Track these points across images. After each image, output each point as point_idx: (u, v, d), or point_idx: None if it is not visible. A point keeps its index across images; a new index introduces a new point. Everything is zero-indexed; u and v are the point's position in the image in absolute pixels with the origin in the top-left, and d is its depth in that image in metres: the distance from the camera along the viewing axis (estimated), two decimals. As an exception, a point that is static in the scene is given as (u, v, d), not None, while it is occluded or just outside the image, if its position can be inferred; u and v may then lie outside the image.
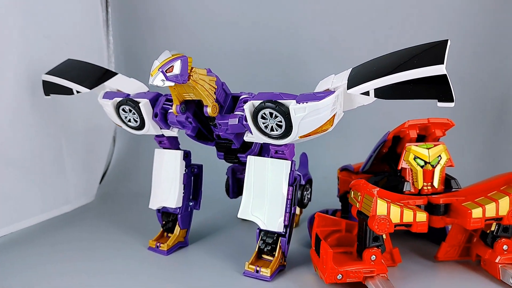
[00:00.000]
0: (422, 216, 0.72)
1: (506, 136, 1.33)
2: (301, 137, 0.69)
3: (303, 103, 0.64)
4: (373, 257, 0.72)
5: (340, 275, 0.70)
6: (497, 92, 1.33)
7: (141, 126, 0.80)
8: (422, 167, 0.77)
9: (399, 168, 0.78)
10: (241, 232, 0.98)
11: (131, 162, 1.51)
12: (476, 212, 0.72)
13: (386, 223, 0.70)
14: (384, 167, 0.89)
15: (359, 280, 0.71)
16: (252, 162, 0.79)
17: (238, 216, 0.79)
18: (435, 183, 0.77)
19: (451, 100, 0.54)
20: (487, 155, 1.35)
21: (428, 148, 0.77)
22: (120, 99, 0.79)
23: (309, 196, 1.02)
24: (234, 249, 0.90)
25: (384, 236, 0.74)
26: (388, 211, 0.70)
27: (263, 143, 0.80)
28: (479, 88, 1.34)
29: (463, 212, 0.73)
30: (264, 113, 0.68)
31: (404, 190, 0.76)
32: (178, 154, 0.86)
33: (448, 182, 0.78)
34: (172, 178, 0.86)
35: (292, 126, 0.67)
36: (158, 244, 0.87)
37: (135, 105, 0.77)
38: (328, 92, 0.63)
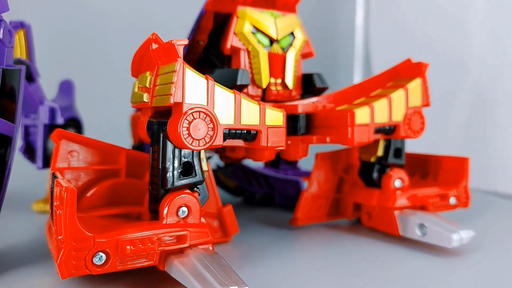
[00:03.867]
0: (277, 116, 0.36)
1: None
2: None
3: None
4: (184, 211, 0.33)
5: (101, 255, 0.28)
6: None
7: None
8: (266, 48, 0.42)
9: (228, 46, 0.42)
10: None
11: None
12: (362, 114, 0.40)
13: (206, 123, 0.32)
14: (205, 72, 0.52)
15: (151, 262, 0.30)
16: None
17: None
18: (289, 80, 0.43)
19: None
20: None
21: (275, 18, 0.43)
22: None
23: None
24: None
25: (204, 167, 0.36)
26: (209, 96, 0.32)
27: None
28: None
29: (339, 119, 0.41)
30: None
31: (238, 82, 0.40)
32: None
33: (307, 80, 0.45)
34: None
35: None
36: None
37: None
38: None
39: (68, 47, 0.94)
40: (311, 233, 0.48)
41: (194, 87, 0.31)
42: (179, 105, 0.31)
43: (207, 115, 0.32)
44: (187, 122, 0.31)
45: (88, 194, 0.36)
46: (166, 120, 0.32)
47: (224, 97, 0.33)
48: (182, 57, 0.31)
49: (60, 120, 0.53)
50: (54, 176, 0.33)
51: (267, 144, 0.35)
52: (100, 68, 0.94)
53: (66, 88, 0.60)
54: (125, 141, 0.67)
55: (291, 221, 0.49)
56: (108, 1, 0.99)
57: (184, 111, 0.31)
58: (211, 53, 0.49)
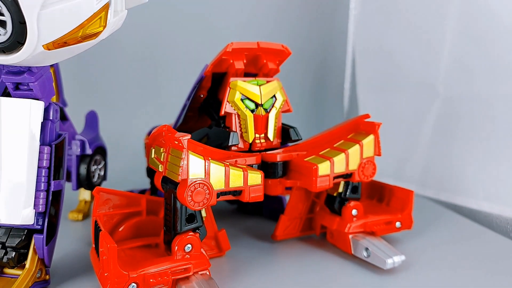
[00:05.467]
0: (256, 177, 0.49)
1: (331, 103, 1.27)
2: (49, 46, 0.38)
3: (39, -29, 0.34)
4: (188, 247, 0.46)
5: (134, 284, 0.42)
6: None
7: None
8: (252, 111, 0.54)
9: (222, 113, 0.54)
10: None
11: None
12: (324, 168, 0.53)
13: (204, 192, 0.45)
14: (205, 123, 0.64)
15: (167, 286, 0.44)
16: (-29, 106, 0.44)
17: None
18: (270, 134, 0.55)
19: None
20: (314, 124, 1.25)
21: (260, 85, 0.55)
22: None
23: (102, 173, 0.71)
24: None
25: (203, 214, 0.49)
26: (206, 172, 0.45)
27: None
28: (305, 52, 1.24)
29: (306, 169, 0.54)
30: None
31: (229, 143, 0.52)
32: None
33: (285, 133, 0.57)
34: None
35: (25, 22, 0.36)
36: None
37: None
38: None
39: (84, 76, 1.07)
40: (288, 247, 0.61)
41: (195, 166, 0.44)
42: (185, 180, 0.44)
43: (205, 185, 0.45)
44: (191, 191, 0.44)
45: (120, 229, 0.50)
46: (175, 183, 0.45)
47: (217, 169, 0.46)
48: (186, 147, 0.43)
49: (89, 151, 0.66)
50: (96, 223, 0.46)
51: (249, 199, 0.48)
52: (117, 96, 1.07)
53: (92, 118, 0.72)
54: (141, 161, 0.81)
55: (272, 236, 0.63)
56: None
57: (188, 184, 0.44)
58: (210, 103, 0.61)
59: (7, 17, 0.36)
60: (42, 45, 0.38)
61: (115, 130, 0.97)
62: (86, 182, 0.66)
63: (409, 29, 0.90)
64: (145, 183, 0.76)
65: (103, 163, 0.70)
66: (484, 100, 0.77)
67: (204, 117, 0.64)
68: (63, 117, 0.65)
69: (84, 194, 0.72)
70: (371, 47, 1.00)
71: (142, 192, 0.73)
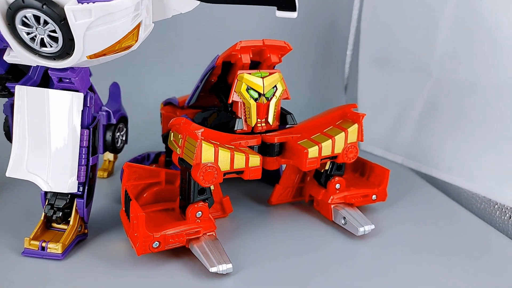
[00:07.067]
0: (255, 160, 0.59)
1: (333, 68, 1.34)
2: (91, 57, 0.47)
3: (87, 3, 0.42)
4: (199, 214, 0.58)
5: (156, 242, 0.54)
6: (324, 24, 1.30)
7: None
8: (256, 100, 0.63)
9: (230, 101, 0.63)
10: (31, 190, 0.71)
11: None
12: (313, 151, 0.63)
13: (213, 173, 0.55)
14: (214, 100, 0.73)
15: (182, 244, 0.56)
16: (24, 95, 0.53)
17: (7, 175, 0.54)
18: (270, 119, 0.65)
19: (293, 9, 0.41)
20: (316, 88, 1.33)
21: (263, 77, 0.64)
22: None
23: (124, 138, 0.81)
24: (15, 218, 0.66)
25: (212, 187, 0.60)
26: (215, 157, 0.55)
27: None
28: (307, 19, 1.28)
29: (298, 151, 0.64)
30: (26, 17, 0.43)
31: (235, 128, 0.62)
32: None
33: (283, 117, 0.67)
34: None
35: (73, 39, 0.44)
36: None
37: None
38: None
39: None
40: (281, 210, 0.73)
41: (207, 153, 0.54)
42: (198, 163, 0.54)
43: (214, 167, 0.55)
44: (202, 172, 0.54)
45: (144, 195, 0.61)
46: (190, 164, 0.56)
47: (224, 155, 0.56)
48: (200, 138, 0.53)
49: (113, 120, 0.76)
50: (126, 192, 0.58)
51: (249, 177, 0.59)
52: (134, 58, 1.14)
53: (115, 89, 0.81)
54: (155, 121, 0.91)
55: (268, 201, 0.74)
56: None
57: (200, 167, 0.54)
58: (220, 87, 0.69)
59: (59, 35, 0.45)
60: (86, 56, 0.46)
61: (131, 92, 1.06)
62: (111, 147, 0.76)
63: (411, 10, 0.95)
64: (160, 144, 0.86)
65: (125, 130, 0.81)
66: (468, 85, 0.85)
67: (213, 95, 0.73)
68: (91, 91, 0.74)
69: (108, 155, 0.83)
70: (376, 24, 1.06)
71: (158, 154, 0.84)
